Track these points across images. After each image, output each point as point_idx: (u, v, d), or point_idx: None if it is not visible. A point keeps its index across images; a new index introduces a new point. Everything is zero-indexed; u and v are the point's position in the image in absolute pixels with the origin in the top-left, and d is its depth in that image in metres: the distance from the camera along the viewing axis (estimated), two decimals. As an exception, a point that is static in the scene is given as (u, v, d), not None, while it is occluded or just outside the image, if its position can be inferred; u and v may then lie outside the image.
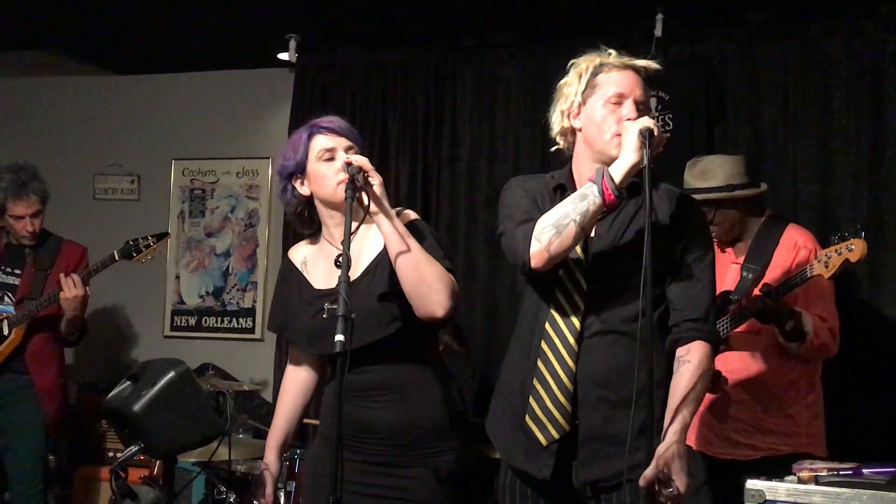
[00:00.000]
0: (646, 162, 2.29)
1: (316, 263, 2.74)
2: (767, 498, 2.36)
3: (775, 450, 3.36)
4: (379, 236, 2.57)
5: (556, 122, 2.55)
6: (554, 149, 2.60)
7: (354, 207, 2.50)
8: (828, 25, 4.32)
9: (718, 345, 2.53)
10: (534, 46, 4.81)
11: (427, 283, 2.48)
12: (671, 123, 4.50)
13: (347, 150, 2.65)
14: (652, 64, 2.50)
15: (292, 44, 5.08)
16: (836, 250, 3.23)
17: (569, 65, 2.55)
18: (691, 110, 4.49)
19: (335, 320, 2.26)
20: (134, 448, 2.74)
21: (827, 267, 3.23)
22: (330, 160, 2.64)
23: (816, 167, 4.31)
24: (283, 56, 5.17)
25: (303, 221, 2.76)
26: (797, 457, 3.07)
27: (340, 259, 2.57)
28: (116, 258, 4.29)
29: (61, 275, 4.18)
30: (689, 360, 2.40)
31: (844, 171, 4.26)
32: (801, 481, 2.38)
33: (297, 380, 2.84)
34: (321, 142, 2.66)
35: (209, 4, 4.67)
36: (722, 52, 4.52)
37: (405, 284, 2.49)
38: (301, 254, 2.79)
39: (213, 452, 3.50)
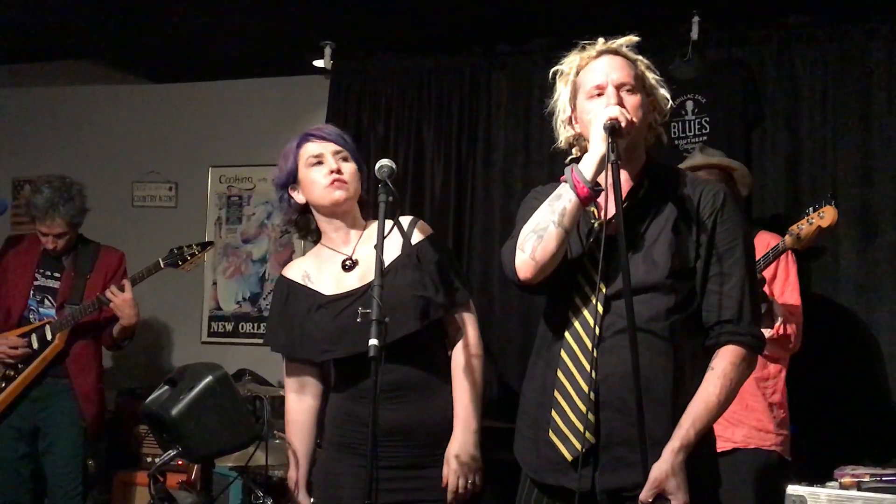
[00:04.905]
0: (610, 154, 2.22)
1: (321, 272, 2.74)
2: (808, 503, 2.33)
3: (745, 443, 3.40)
4: (391, 239, 2.59)
5: (561, 134, 2.53)
6: (569, 160, 2.54)
7: (354, 210, 2.68)
8: (868, 28, 4.26)
9: (759, 347, 2.33)
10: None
11: None
12: (708, 127, 4.46)
13: (335, 154, 2.70)
14: (630, 38, 2.46)
15: (327, 51, 5.10)
16: (806, 221, 3.30)
17: (551, 74, 2.55)
18: (729, 114, 4.43)
19: (362, 320, 2.31)
20: (172, 452, 2.76)
21: (800, 239, 3.30)
22: (318, 164, 2.69)
23: (856, 171, 4.24)
24: (319, 63, 5.19)
25: (299, 229, 2.80)
26: (766, 453, 3.35)
27: (348, 262, 2.65)
28: (161, 266, 4.30)
29: (111, 288, 4.21)
30: (713, 366, 2.27)
31: (885, 174, 4.19)
32: (843, 487, 2.35)
33: (307, 409, 2.85)
34: (309, 149, 2.72)
35: (245, 13, 4.70)
36: (760, 55, 4.46)
37: None
38: (299, 269, 2.79)
39: (250, 457, 3.52)
